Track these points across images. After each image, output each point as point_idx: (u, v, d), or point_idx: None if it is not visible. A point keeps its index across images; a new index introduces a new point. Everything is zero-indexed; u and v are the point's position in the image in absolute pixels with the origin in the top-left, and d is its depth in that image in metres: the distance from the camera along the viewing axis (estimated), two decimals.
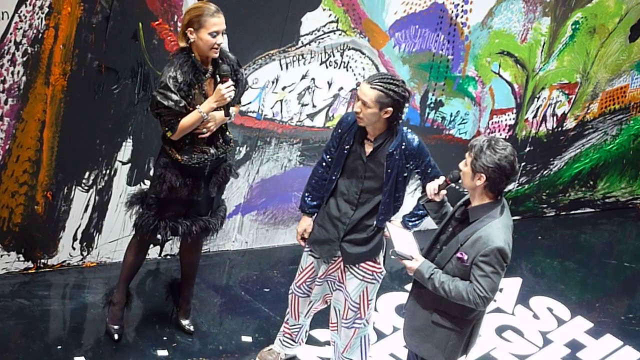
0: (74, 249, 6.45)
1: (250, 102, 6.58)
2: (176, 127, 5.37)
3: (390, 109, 5.11)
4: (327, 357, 6.11)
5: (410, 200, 5.55)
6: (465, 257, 4.59)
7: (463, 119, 7.58)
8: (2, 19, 5.57)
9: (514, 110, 7.82)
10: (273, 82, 6.62)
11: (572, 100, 8.09)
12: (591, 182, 8.65)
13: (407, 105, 5.20)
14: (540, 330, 6.84)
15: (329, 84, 6.84)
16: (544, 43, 7.63)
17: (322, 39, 6.65)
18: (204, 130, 5.46)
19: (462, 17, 7.13)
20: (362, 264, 5.44)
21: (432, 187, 4.83)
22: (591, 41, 7.86)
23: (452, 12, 7.07)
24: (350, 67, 6.85)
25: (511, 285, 7.26)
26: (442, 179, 4.82)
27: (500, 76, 7.58)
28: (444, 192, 4.82)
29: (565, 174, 8.45)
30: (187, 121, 5.37)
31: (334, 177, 5.39)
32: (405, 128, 5.31)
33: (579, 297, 7.40)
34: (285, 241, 7.29)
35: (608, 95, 8.29)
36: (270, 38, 6.46)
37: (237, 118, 6.52)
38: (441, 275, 4.64)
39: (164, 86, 5.31)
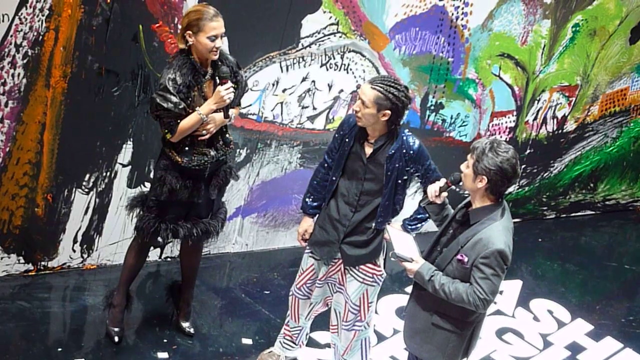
0: (74, 251, 6.45)
1: (250, 105, 6.58)
2: (175, 129, 5.37)
3: (388, 112, 5.11)
4: (327, 359, 6.10)
5: (410, 203, 5.55)
6: (466, 259, 4.59)
7: (463, 122, 7.58)
8: (3, 21, 5.57)
9: (514, 113, 7.82)
10: (273, 85, 6.62)
11: (572, 103, 8.09)
12: (591, 185, 8.65)
13: (406, 110, 5.21)
14: (540, 332, 6.84)
15: (330, 87, 6.84)
16: (545, 45, 7.63)
17: (323, 41, 6.65)
18: (204, 132, 5.46)
19: (462, 19, 7.14)
20: (362, 267, 5.44)
21: (433, 189, 4.83)
22: (591, 43, 7.86)
23: (453, 14, 7.07)
24: (351, 69, 6.86)
25: (511, 288, 7.26)
26: (443, 181, 4.82)
27: (501, 78, 7.58)
28: (444, 194, 4.82)
29: (565, 177, 8.45)
30: (186, 123, 5.37)
31: (334, 178, 5.39)
32: (406, 131, 5.31)
33: (579, 299, 7.39)
34: (286, 243, 7.29)
35: (608, 98, 8.29)
36: (271, 40, 6.46)
37: (238, 120, 6.52)
38: (441, 277, 4.64)
39: (163, 88, 5.31)
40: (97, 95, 6.01)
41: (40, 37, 5.70)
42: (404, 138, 5.26)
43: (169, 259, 6.83)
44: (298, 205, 6.96)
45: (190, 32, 5.29)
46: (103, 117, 6.11)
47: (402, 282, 6.93)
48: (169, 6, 5.99)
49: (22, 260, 6.30)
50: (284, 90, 6.69)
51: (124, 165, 6.33)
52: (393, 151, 5.23)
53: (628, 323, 7.19)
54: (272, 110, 6.72)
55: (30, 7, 5.59)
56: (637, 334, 7.06)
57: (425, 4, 6.92)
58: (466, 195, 5.21)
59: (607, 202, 8.82)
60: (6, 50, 5.65)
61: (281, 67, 6.59)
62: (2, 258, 6.21)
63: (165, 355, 5.91)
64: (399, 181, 5.31)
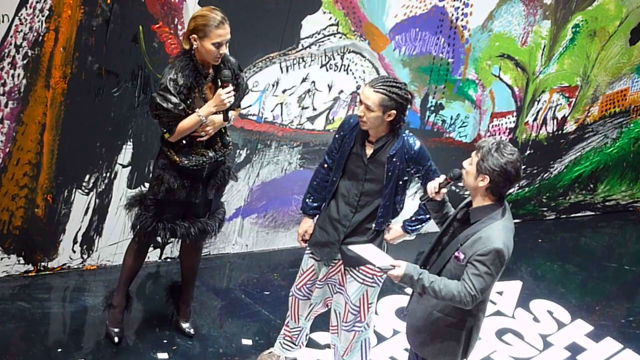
0: (74, 251, 6.45)
1: (250, 105, 6.58)
2: (174, 129, 5.38)
3: (394, 111, 5.11)
4: None
5: (411, 204, 5.55)
6: (462, 256, 4.58)
7: (463, 122, 7.58)
8: (3, 21, 5.57)
9: (514, 114, 7.82)
10: (273, 85, 6.62)
11: (572, 104, 8.09)
12: (591, 185, 8.65)
13: (409, 106, 5.21)
14: (540, 333, 6.84)
15: (329, 87, 6.84)
16: (545, 46, 7.63)
17: (323, 42, 6.65)
18: (202, 133, 5.46)
19: (462, 20, 7.14)
20: (363, 267, 5.44)
21: (432, 185, 4.82)
22: (591, 44, 7.86)
23: (453, 15, 7.07)
24: (351, 70, 6.86)
25: (511, 289, 7.26)
26: (442, 178, 4.81)
27: (501, 79, 7.58)
28: (444, 190, 4.81)
29: (565, 177, 8.45)
30: (185, 124, 5.37)
31: (335, 179, 5.39)
32: (407, 132, 5.31)
33: (579, 300, 7.40)
34: (286, 244, 7.29)
35: (608, 99, 8.29)
36: (271, 41, 6.47)
37: (237, 121, 6.52)
38: (429, 275, 4.62)
39: (164, 88, 5.31)
40: (97, 96, 6.01)
41: (40, 38, 5.70)
42: (405, 139, 5.26)
43: (168, 260, 6.83)
44: (298, 206, 6.97)
45: (195, 36, 5.29)
46: (103, 118, 6.11)
47: None
48: (169, 7, 5.99)
49: (22, 261, 6.30)
50: (284, 91, 6.69)
51: (123, 166, 6.33)
52: (394, 152, 5.23)
53: (628, 324, 7.19)
54: (272, 111, 6.72)
55: (30, 7, 5.59)
56: (636, 334, 7.06)
57: (425, 5, 6.92)
58: (466, 195, 5.20)
59: (607, 203, 8.82)
60: (6, 50, 5.65)
61: (281, 68, 6.60)
62: (2, 259, 6.21)
63: (165, 355, 5.91)
64: (400, 182, 5.31)
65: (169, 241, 6.59)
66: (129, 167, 6.35)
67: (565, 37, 7.70)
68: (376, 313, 6.48)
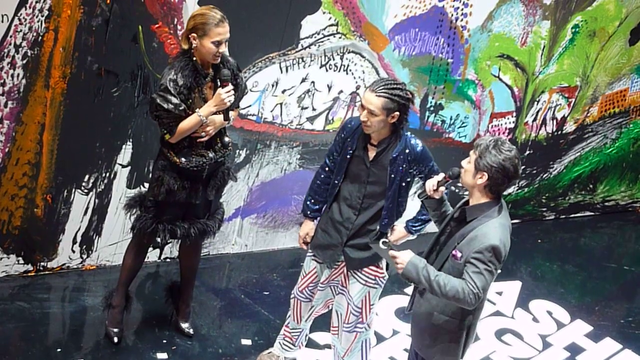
0: (73, 251, 6.44)
1: (250, 105, 6.58)
2: (175, 130, 5.37)
3: (397, 113, 5.11)
4: None
5: (412, 205, 5.54)
6: (459, 255, 4.57)
7: (463, 123, 7.58)
8: (2, 21, 5.57)
9: (514, 114, 7.82)
10: (273, 85, 6.62)
11: (571, 104, 8.09)
12: (591, 186, 8.65)
13: (411, 106, 5.21)
14: (539, 333, 6.84)
15: (329, 87, 6.84)
16: (544, 46, 7.63)
17: (322, 42, 6.65)
18: (203, 133, 5.46)
19: (462, 20, 7.14)
20: (365, 269, 5.43)
21: (431, 183, 4.82)
22: (591, 45, 7.87)
23: (452, 15, 7.07)
24: (350, 70, 6.86)
25: (511, 289, 7.26)
26: (441, 175, 4.81)
27: (500, 79, 7.58)
28: (442, 188, 4.82)
29: (565, 178, 8.46)
30: (185, 124, 5.37)
31: (336, 182, 5.38)
32: (408, 133, 5.31)
33: (579, 300, 7.39)
34: (285, 244, 7.29)
35: (608, 99, 8.29)
36: (270, 41, 6.46)
37: (237, 121, 6.52)
38: (434, 270, 4.61)
39: (164, 89, 5.31)
40: (96, 96, 6.01)
41: (40, 38, 5.69)
42: (407, 140, 5.26)
43: (168, 260, 6.83)
44: (297, 206, 6.97)
45: (195, 35, 5.29)
46: (102, 118, 6.11)
47: (402, 283, 6.92)
48: (168, 7, 5.99)
49: (21, 261, 6.29)
50: (283, 91, 6.69)
51: (123, 166, 6.33)
52: (396, 154, 5.23)
53: (627, 324, 7.19)
54: (271, 111, 6.72)
55: (29, 7, 5.59)
56: (636, 335, 7.06)
57: (424, 5, 6.92)
58: (465, 195, 5.19)
59: (606, 203, 8.82)
60: (5, 50, 5.65)
61: (281, 68, 6.59)
62: (1, 259, 6.21)
63: (164, 355, 5.91)
64: (403, 184, 5.31)
65: (168, 242, 6.59)
66: (129, 167, 6.35)
67: (564, 37, 7.70)
68: (376, 313, 6.47)
